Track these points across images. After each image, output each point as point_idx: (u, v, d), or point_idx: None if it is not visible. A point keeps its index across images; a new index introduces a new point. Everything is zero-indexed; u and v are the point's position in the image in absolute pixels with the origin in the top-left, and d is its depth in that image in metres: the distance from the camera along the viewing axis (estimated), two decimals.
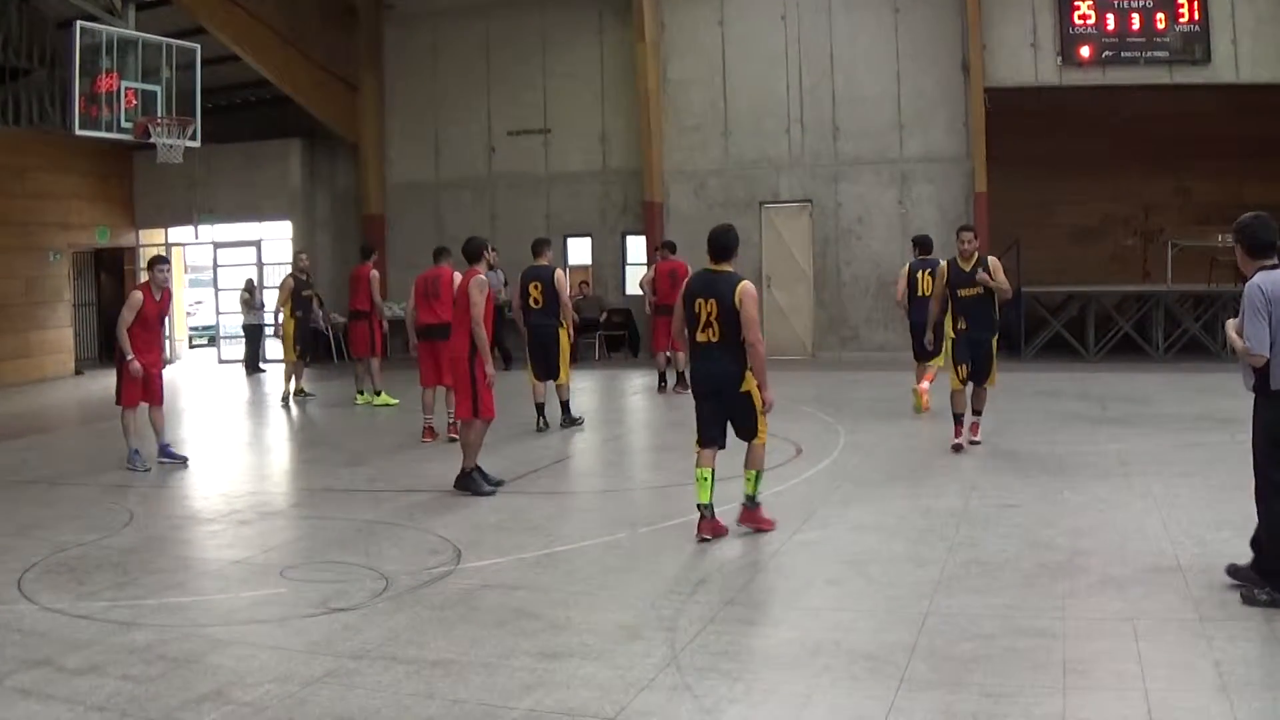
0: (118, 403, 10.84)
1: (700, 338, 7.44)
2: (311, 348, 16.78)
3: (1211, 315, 18.34)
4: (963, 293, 10.50)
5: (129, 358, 10.51)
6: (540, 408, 12.70)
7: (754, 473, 7.63)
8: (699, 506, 7.47)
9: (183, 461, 10.82)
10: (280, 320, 16.62)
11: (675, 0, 20.32)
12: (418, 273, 12.23)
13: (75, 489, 9.87)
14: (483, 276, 9.23)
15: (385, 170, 22.34)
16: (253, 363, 20.66)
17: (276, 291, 17.45)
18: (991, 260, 10.62)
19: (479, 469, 9.24)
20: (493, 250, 18.91)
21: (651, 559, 7.13)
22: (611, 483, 9.80)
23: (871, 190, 19.49)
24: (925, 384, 12.87)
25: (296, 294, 15.91)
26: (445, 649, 5.48)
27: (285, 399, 15.58)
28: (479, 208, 21.61)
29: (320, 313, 21.21)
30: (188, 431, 13.02)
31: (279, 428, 13.77)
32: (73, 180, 21.37)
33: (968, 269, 10.51)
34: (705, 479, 7.41)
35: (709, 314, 7.35)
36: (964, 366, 10.46)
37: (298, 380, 15.82)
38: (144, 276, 11.62)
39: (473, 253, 9.38)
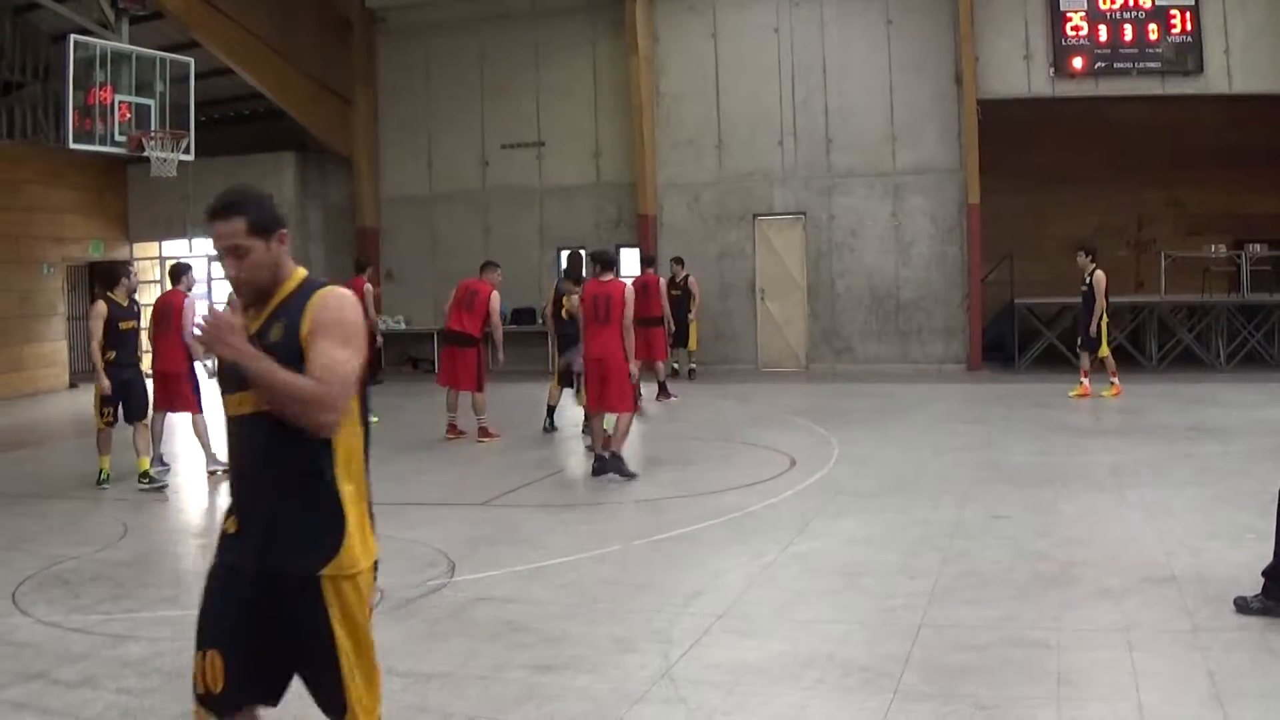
0: (198, 410, 11.14)
1: None
2: (134, 405, 10.97)
3: (1205, 326, 18.41)
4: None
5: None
6: (551, 410, 13.27)
7: None
8: None
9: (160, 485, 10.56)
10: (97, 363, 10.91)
11: (668, 13, 20.36)
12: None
13: (69, 502, 9.86)
14: (632, 287, 10.61)
15: (379, 183, 22.32)
16: None
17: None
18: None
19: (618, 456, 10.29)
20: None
21: (644, 572, 7.13)
22: (604, 496, 9.79)
23: (864, 202, 19.51)
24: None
25: (112, 325, 10.80)
26: (440, 661, 5.48)
27: (101, 478, 10.57)
28: (473, 221, 21.60)
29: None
30: (180, 445, 12.97)
31: None
32: (66, 193, 21.34)
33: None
34: None
35: None
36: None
37: (111, 451, 10.91)
38: (167, 285, 11.94)
39: (608, 263, 10.63)
